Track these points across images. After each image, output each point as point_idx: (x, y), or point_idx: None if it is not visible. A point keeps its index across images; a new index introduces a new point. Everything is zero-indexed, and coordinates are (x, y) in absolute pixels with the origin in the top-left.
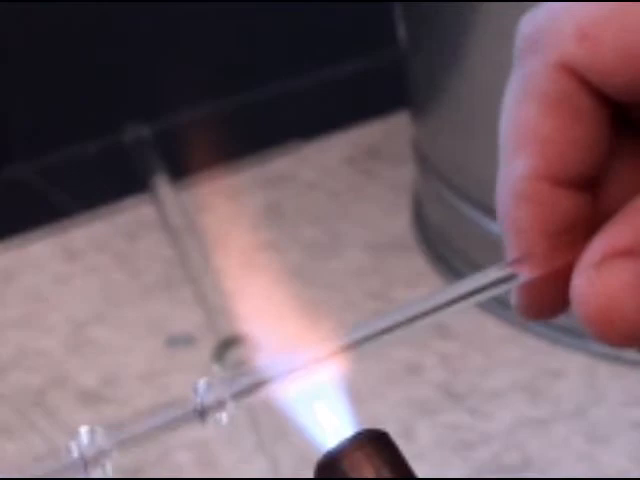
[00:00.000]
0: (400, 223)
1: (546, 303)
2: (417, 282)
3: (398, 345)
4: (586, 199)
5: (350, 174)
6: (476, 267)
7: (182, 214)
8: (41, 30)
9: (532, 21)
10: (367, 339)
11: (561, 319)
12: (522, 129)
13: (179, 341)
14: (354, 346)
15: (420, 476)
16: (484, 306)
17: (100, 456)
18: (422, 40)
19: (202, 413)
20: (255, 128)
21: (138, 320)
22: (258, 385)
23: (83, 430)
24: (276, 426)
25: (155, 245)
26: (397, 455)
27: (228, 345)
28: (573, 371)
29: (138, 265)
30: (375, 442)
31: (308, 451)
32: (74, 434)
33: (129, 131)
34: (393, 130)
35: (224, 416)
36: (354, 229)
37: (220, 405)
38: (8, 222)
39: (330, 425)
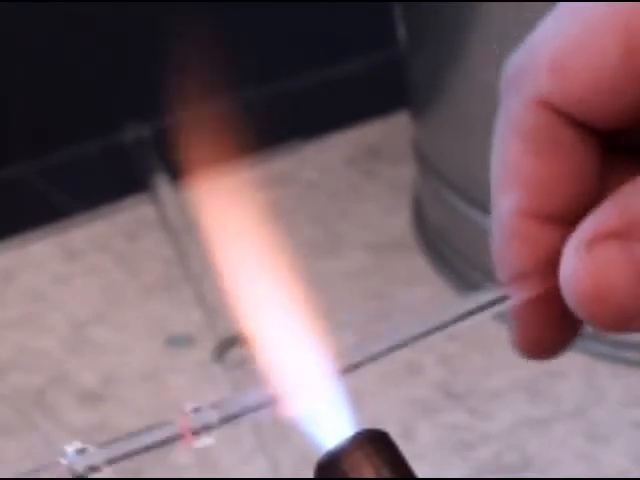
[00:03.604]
0: (400, 223)
1: (543, 338)
2: (417, 282)
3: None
4: None
5: (350, 174)
6: (476, 267)
7: (182, 214)
8: (41, 30)
9: (513, 60)
10: (355, 366)
11: None
12: (506, 167)
13: (179, 341)
14: (341, 371)
15: (420, 476)
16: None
17: (89, 472)
18: (422, 40)
19: (186, 436)
20: (255, 128)
21: (138, 320)
22: (247, 411)
23: (72, 447)
24: (276, 426)
25: (155, 245)
26: (397, 455)
27: (228, 345)
28: (573, 371)
29: (138, 265)
30: (375, 442)
31: (308, 451)
32: (62, 451)
33: (129, 131)
34: (393, 130)
35: (209, 440)
36: (354, 229)
37: (206, 429)
38: (8, 222)
39: (330, 425)
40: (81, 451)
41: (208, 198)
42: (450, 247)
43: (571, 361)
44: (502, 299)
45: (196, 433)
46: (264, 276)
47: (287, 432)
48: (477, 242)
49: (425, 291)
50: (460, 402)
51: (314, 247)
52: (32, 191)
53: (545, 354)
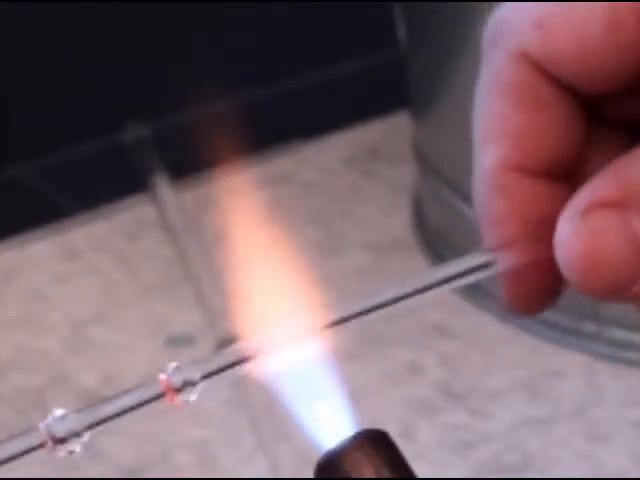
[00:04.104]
0: (400, 223)
1: (532, 295)
2: None
3: (398, 345)
4: (563, 190)
5: (350, 174)
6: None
7: (182, 214)
8: (41, 30)
9: (497, 15)
10: (346, 319)
11: (561, 319)
12: (488, 121)
13: (179, 341)
14: (332, 325)
15: (420, 476)
16: (484, 306)
17: (69, 436)
18: (422, 40)
19: (169, 393)
20: (255, 128)
21: (138, 320)
22: (228, 366)
23: (54, 412)
24: (276, 426)
25: (155, 245)
26: (397, 455)
27: (228, 345)
28: (573, 371)
29: (138, 265)
30: (375, 442)
31: (308, 451)
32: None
33: (129, 131)
34: (393, 130)
35: (192, 396)
36: (354, 229)
37: (188, 385)
38: (8, 222)
39: (330, 425)
40: (62, 417)
41: (208, 198)
42: (450, 247)
43: (571, 361)
44: (488, 264)
45: (178, 390)
46: (264, 276)
47: (287, 432)
48: (477, 242)
49: None
50: (460, 402)
51: (314, 247)
52: (32, 191)
53: (534, 311)
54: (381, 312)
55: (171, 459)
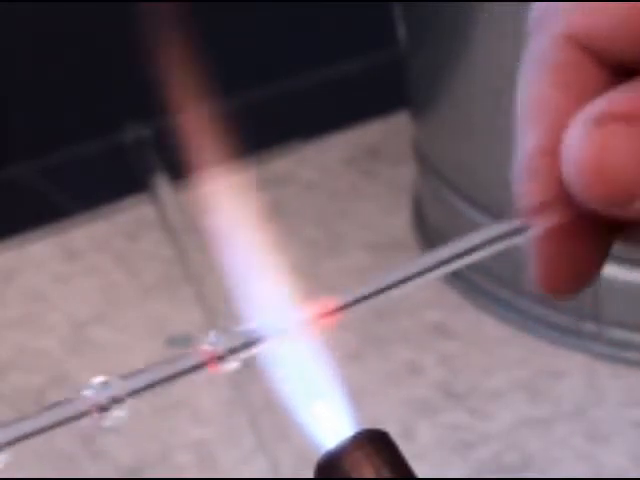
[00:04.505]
0: (400, 223)
1: (562, 275)
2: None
3: (398, 345)
4: None
5: (350, 174)
6: (476, 267)
7: (182, 214)
8: (41, 31)
9: (539, 4)
10: (380, 291)
11: (561, 319)
12: (532, 104)
13: (179, 341)
14: (378, 293)
15: (420, 476)
16: (484, 306)
17: (112, 403)
18: (422, 40)
19: (211, 363)
20: (255, 128)
21: (138, 320)
22: (260, 340)
23: (96, 379)
24: (276, 426)
25: (155, 245)
26: (397, 455)
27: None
28: (573, 371)
29: (138, 265)
30: (375, 442)
31: (308, 451)
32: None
33: (129, 131)
34: (393, 130)
35: (234, 365)
36: (354, 229)
37: (230, 355)
38: (8, 222)
39: (330, 425)
40: (104, 384)
41: (208, 198)
42: None
43: (571, 361)
44: (522, 229)
45: (221, 358)
46: (264, 276)
47: (287, 432)
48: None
49: (425, 291)
50: (460, 402)
51: (314, 247)
52: (32, 191)
53: (565, 291)
54: (418, 281)
55: (171, 459)
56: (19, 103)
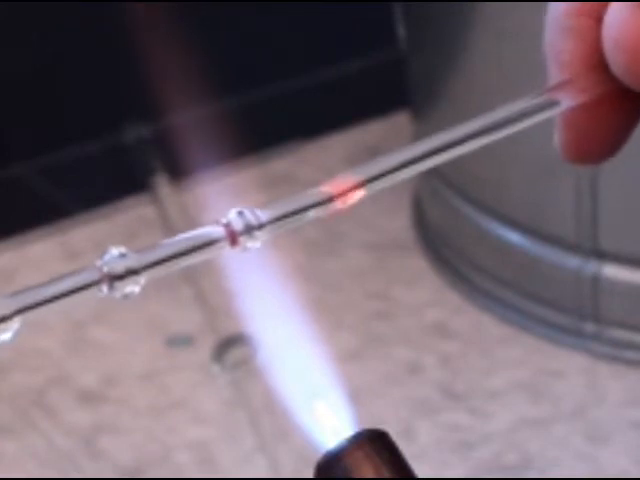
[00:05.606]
0: (400, 223)
1: (587, 142)
2: (417, 282)
3: (398, 345)
4: None
5: None
6: (476, 267)
7: (182, 214)
8: (41, 30)
9: None
10: (417, 159)
11: (561, 319)
12: None
13: (179, 341)
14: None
15: (420, 476)
16: (484, 306)
17: (128, 274)
18: (422, 40)
19: (232, 238)
20: (255, 128)
21: (138, 320)
22: (297, 212)
23: (112, 250)
24: (276, 426)
25: None
26: (397, 455)
27: (228, 345)
28: (573, 371)
29: None
30: (375, 442)
31: (308, 451)
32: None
33: (129, 131)
34: (393, 130)
35: (256, 244)
36: (354, 229)
37: (250, 230)
38: (8, 222)
39: (330, 425)
40: (121, 255)
41: (208, 198)
42: (450, 247)
43: (571, 361)
44: (550, 105)
45: (242, 234)
46: (264, 276)
47: (287, 432)
48: (477, 242)
49: (425, 291)
50: (460, 402)
51: (314, 247)
52: (32, 191)
53: (590, 159)
54: (444, 156)
55: (171, 459)
56: (19, 103)
